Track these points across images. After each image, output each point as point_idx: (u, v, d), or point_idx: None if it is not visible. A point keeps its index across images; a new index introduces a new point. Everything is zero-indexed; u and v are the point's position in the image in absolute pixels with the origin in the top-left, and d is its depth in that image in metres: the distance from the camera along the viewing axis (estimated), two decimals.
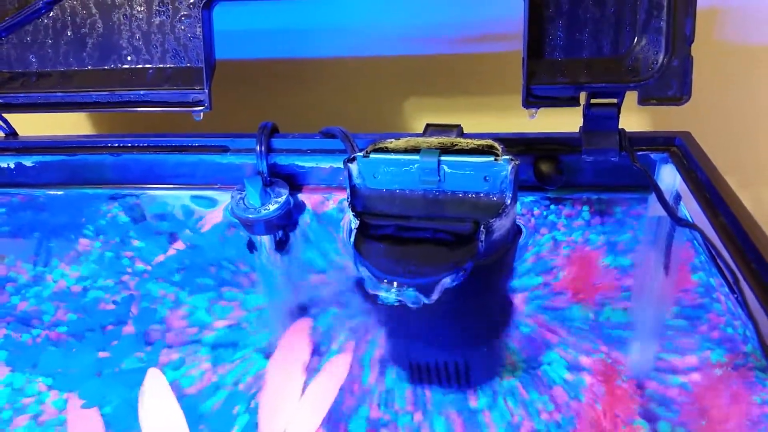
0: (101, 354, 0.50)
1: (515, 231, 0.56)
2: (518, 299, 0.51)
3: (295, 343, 0.49)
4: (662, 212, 0.56)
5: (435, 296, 0.48)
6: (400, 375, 0.46)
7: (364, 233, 0.51)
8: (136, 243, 0.61)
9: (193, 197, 0.66)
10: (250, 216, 0.60)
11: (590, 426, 0.42)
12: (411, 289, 0.48)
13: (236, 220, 0.61)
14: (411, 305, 0.48)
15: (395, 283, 0.48)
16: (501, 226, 0.52)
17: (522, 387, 0.45)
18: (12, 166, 0.69)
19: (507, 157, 0.51)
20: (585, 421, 0.42)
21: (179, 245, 0.60)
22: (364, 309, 0.52)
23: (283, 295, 0.55)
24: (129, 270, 0.58)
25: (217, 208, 0.64)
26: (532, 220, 0.58)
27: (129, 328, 0.52)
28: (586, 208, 0.59)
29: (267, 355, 0.49)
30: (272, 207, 0.60)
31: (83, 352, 0.51)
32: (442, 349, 0.48)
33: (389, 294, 0.49)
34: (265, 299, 0.54)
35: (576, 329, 0.48)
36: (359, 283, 0.54)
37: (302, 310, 0.52)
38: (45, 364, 0.50)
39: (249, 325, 0.52)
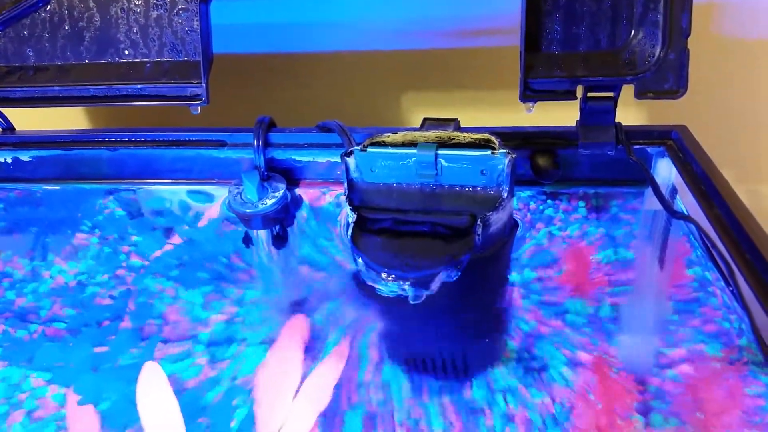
0: (98, 349, 0.51)
1: (512, 225, 0.56)
2: (515, 293, 0.51)
3: (292, 337, 0.50)
4: (659, 206, 0.56)
5: (432, 289, 0.48)
6: (397, 367, 0.46)
7: (361, 227, 0.51)
8: (133, 238, 0.61)
9: (190, 192, 0.66)
10: (248, 210, 0.60)
11: (586, 418, 0.42)
12: (408, 282, 0.48)
13: (233, 215, 0.61)
14: (411, 301, 0.48)
15: (393, 277, 0.48)
16: (498, 219, 0.52)
17: (518, 379, 0.45)
18: (9, 160, 0.69)
19: (504, 150, 0.51)
20: (581, 413, 0.42)
21: (176, 240, 0.60)
22: (361, 303, 0.52)
23: (281, 289, 0.55)
24: (126, 265, 0.58)
25: (214, 203, 0.64)
26: (529, 214, 0.58)
27: (126, 323, 0.52)
28: (582, 202, 0.59)
29: (265, 349, 0.49)
30: (269, 201, 0.60)
31: (80, 347, 0.51)
32: (439, 342, 0.48)
33: (387, 287, 0.49)
34: (262, 294, 0.54)
35: (572, 322, 0.48)
36: (356, 277, 0.54)
37: (299, 305, 0.52)
38: (42, 359, 0.50)
39: (246, 319, 0.52)
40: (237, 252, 0.58)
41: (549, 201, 0.59)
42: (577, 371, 0.45)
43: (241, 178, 0.61)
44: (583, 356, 0.46)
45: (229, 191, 0.62)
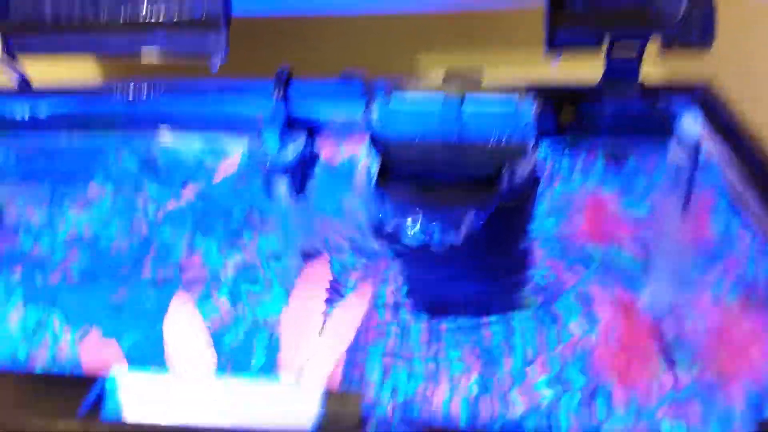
0: (118, 294, 0.50)
1: (535, 175, 0.56)
2: (536, 242, 0.51)
3: (313, 281, 0.49)
4: (683, 158, 0.56)
5: (459, 236, 0.48)
6: (417, 311, 0.46)
7: (384, 176, 0.51)
8: (150, 190, 0.61)
9: (208, 143, 0.65)
10: (267, 162, 0.60)
11: (605, 363, 0.42)
12: (433, 230, 0.48)
13: (252, 166, 0.61)
14: (435, 248, 0.48)
15: (417, 224, 0.48)
16: (523, 169, 0.52)
17: (538, 324, 0.45)
18: (25, 113, 0.68)
19: (529, 100, 0.51)
20: (600, 358, 0.42)
21: (194, 191, 0.60)
22: (380, 250, 0.52)
23: (300, 237, 0.55)
24: (142, 215, 0.58)
25: (232, 155, 0.64)
26: (550, 167, 0.58)
27: (145, 270, 0.52)
28: (605, 155, 0.58)
29: (286, 292, 0.49)
30: (289, 153, 0.60)
31: (99, 293, 0.51)
32: (459, 287, 0.48)
33: (411, 235, 0.49)
34: (281, 242, 0.54)
35: (593, 271, 0.48)
36: (376, 226, 0.53)
37: (320, 252, 0.52)
38: (61, 304, 0.50)
39: (265, 266, 0.51)
40: (255, 202, 0.58)
41: (572, 154, 0.59)
42: (597, 316, 0.45)
43: (261, 129, 0.61)
44: (604, 302, 0.46)
45: (248, 142, 0.62)
